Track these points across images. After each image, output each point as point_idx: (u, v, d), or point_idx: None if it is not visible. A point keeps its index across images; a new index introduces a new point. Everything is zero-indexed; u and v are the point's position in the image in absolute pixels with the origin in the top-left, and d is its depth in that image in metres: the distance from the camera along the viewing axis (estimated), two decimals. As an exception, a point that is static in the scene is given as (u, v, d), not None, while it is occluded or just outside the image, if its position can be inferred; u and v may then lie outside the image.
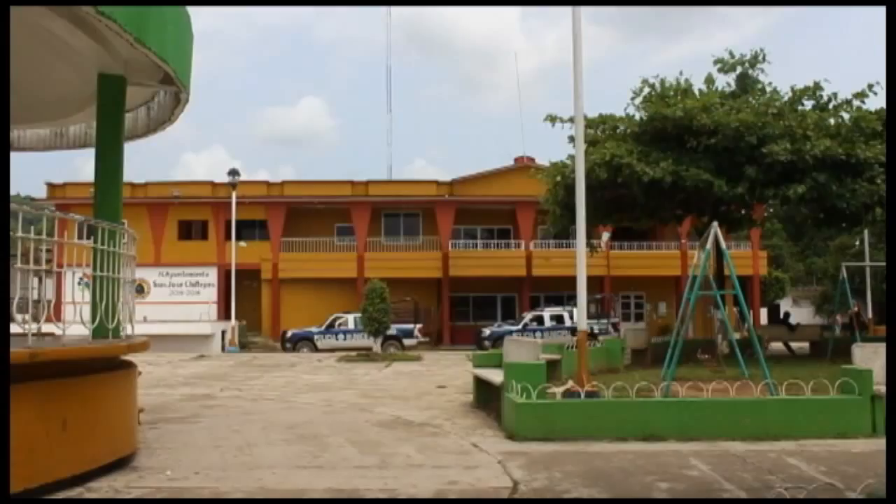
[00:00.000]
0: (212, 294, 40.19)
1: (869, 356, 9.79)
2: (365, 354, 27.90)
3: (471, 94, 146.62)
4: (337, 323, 33.26)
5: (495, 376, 11.57)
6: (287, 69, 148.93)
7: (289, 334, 33.79)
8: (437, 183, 42.46)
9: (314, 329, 33.53)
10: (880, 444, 9.07)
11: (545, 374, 10.48)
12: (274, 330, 38.36)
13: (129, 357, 8.82)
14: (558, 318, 32.34)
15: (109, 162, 9.35)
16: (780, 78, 76.08)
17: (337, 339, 32.63)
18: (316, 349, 32.35)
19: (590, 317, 33.53)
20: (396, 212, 42.04)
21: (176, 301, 39.22)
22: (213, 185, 41.95)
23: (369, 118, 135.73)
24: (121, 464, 7.76)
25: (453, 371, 20.44)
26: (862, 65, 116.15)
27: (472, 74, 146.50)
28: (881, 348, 10.22)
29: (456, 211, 39.86)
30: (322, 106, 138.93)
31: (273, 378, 19.27)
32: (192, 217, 41.36)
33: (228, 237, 37.70)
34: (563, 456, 8.50)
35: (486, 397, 12.60)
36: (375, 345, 29.04)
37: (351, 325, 32.49)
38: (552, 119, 22.12)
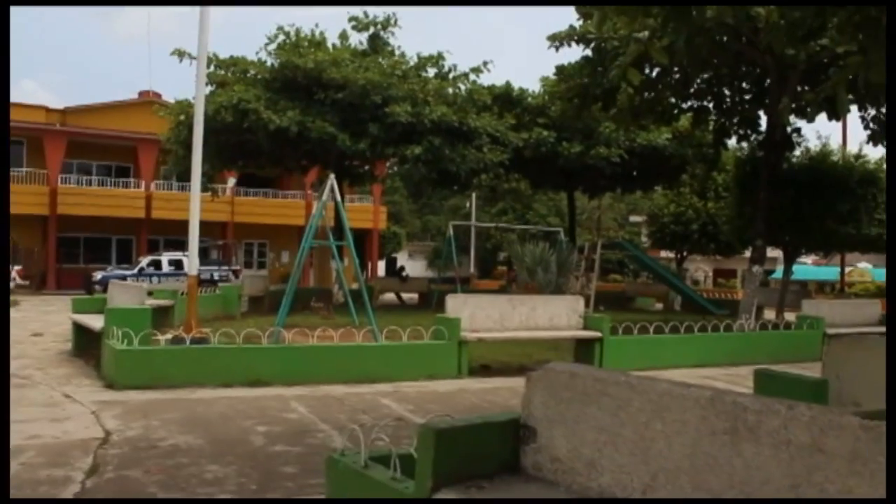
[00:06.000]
0: None
1: (459, 306, 10.75)
2: (-53, 297, 24.51)
3: (97, 16, 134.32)
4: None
5: (96, 322, 10.82)
6: None
7: None
8: (48, 109, 38.22)
9: None
10: (463, 384, 10.07)
11: (150, 320, 10.06)
12: None
13: None
14: (177, 264, 31.12)
15: None
16: (409, 44, 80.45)
17: (-88, 280, 28.22)
18: None
19: (211, 263, 32.81)
20: (-4, 138, 37.28)
21: None
22: None
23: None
24: None
25: (54, 318, 18.79)
26: (481, 43, 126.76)
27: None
28: (470, 299, 11.31)
29: (68, 143, 36.30)
30: None
31: None
32: None
33: None
34: (164, 404, 8.24)
35: (87, 345, 11.75)
36: (-39, 287, 25.65)
37: (-71, 265, 28.30)
38: (180, 54, 21.04)
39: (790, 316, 16.45)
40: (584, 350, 11.54)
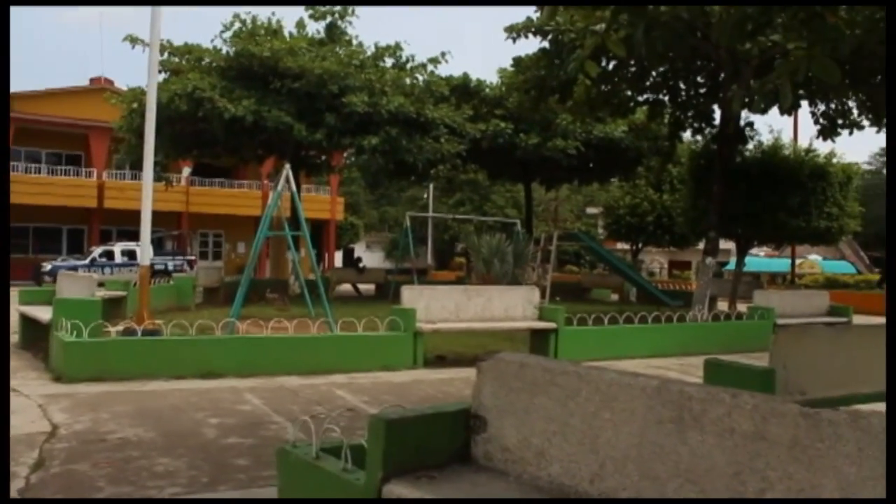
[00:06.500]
0: None
1: (415, 297, 10.74)
2: None
3: None
4: None
5: (44, 314, 10.60)
6: None
7: None
8: (-6, 96, 37.34)
9: None
10: (418, 374, 10.07)
11: (100, 311, 9.89)
12: None
13: None
14: (131, 254, 30.59)
15: None
16: (367, 34, 79.38)
17: None
18: None
19: (165, 254, 32.35)
20: (-62, 125, 36.18)
21: None
22: None
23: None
24: None
25: (2, 308, 18.34)
26: (439, 34, 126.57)
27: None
28: (426, 290, 11.30)
29: (16, 129, 35.40)
30: None
31: None
32: None
33: None
34: (114, 396, 8.11)
35: (35, 337, 11.52)
36: None
37: None
38: (132, 40, 20.70)
39: (743, 306, 16.73)
40: (539, 341, 11.60)
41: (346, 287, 27.31)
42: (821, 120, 17.87)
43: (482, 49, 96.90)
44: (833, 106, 17.58)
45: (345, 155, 27.93)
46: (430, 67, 23.54)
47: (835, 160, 19.69)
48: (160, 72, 21.53)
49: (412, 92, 22.58)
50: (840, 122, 17.68)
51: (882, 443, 2.08)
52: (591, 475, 2.86)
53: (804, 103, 17.95)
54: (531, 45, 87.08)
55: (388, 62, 23.61)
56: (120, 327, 10.30)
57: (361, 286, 27.58)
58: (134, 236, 34.48)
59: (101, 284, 15.65)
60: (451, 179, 42.39)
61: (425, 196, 52.50)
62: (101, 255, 30.73)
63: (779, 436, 2.32)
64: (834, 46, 4.48)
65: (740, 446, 2.42)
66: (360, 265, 29.62)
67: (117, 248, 31.48)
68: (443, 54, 23.26)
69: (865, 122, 17.37)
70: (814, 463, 2.22)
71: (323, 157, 26.45)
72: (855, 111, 17.48)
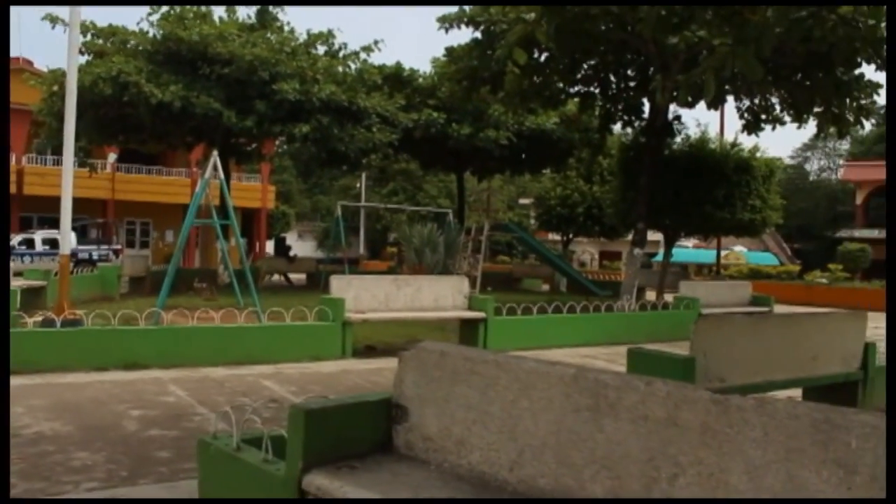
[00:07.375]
0: None
1: (344, 287, 10.66)
2: None
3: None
4: None
5: (-43, 303, 10.20)
6: None
7: None
8: None
9: None
10: (347, 364, 10.02)
11: (18, 301, 9.55)
12: None
13: None
14: (52, 242, 29.57)
15: None
16: (299, 20, 77.77)
17: None
18: None
19: (90, 242, 31.47)
20: None
21: None
22: None
23: None
24: None
25: (-87, 297, 17.61)
26: (372, 22, 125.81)
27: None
28: (355, 279, 11.24)
29: (-70, 113, 34.04)
30: None
31: None
32: None
33: None
34: (30, 390, 7.85)
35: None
36: None
37: None
38: (52, 20, 20.00)
39: (670, 297, 17.08)
40: (468, 331, 11.64)
41: (279, 276, 27.03)
42: (745, 115, 18.32)
43: (416, 38, 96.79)
44: (757, 101, 18.04)
45: (276, 143, 27.55)
46: (362, 56, 23.34)
47: (758, 154, 20.21)
48: (83, 54, 20.89)
49: (344, 80, 22.36)
50: (763, 117, 18.15)
51: (786, 427, 2.13)
52: (510, 463, 2.88)
53: (730, 98, 18.38)
54: (464, 35, 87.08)
55: (321, 49, 23.33)
56: (38, 318, 9.99)
57: (293, 276, 27.29)
58: (56, 224, 33.15)
59: (19, 274, 15.16)
60: (383, 169, 42.23)
61: (358, 185, 52.18)
62: (20, 244, 29.63)
63: (690, 422, 2.36)
64: (756, 44, 4.58)
65: (654, 433, 2.46)
66: (291, 254, 29.30)
67: (38, 236, 30.41)
68: (375, 42, 23.10)
69: (787, 118, 17.87)
70: (723, 447, 2.27)
71: (253, 145, 26.02)
72: (777, 107, 17.97)
